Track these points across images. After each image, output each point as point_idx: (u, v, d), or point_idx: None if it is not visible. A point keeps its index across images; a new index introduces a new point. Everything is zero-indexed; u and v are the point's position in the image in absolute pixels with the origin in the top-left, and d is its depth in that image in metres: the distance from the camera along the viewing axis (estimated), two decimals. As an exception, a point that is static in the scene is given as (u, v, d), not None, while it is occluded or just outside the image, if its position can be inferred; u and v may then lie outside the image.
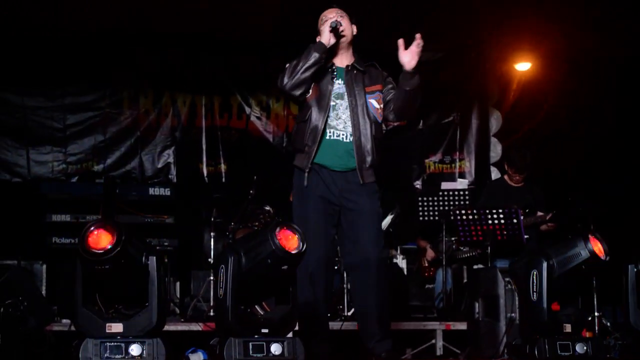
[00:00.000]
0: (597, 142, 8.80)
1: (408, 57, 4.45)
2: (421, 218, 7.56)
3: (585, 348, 4.45)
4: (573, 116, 9.00)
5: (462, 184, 8.39)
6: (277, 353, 3.83)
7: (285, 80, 4.49)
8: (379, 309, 4.53)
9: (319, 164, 4.56)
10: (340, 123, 4.58)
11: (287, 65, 4.54)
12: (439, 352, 6.43)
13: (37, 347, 4.48)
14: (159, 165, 8.72)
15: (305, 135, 4.57)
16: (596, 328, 6.29)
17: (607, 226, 5.98)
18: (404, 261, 7.89)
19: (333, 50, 4.59)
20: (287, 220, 4.05)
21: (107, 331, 3.78)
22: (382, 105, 4.64)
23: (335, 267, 6.41)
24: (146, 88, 8.76)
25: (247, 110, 8.95)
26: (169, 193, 7.60)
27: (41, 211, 7.39)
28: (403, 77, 4.52)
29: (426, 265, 7.78)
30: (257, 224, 7.15)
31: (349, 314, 6.54)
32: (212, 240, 7.14)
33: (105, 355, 3.72)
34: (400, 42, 4.47)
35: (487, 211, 6.62)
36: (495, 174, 9.10)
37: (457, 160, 9.26)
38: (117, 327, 3.79)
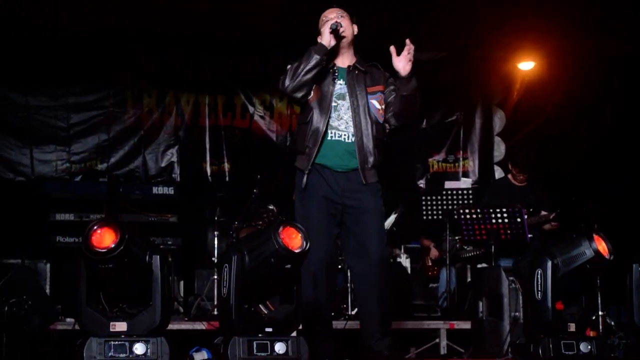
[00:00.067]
0: (598, 142, 8.80)
1: (402, 63, 4.46)
2: (425, 217, 7.56)
3: (589, 347, 4.45)
4: (575, 115, 9.01)
5: (465, 183, 8.39)
6: (281, 352, 3.83)
7: (287, 82, 4.49)
8: (382, 308, 4.53)
9: (321, 164, 4.56)
10: (342, 124, 4.58)
11: (288, 66, 4.53)
12: (443, 351, 6.43)
13: (41, 346, 4.48)
14: (163, 164, 8.73)
15: (306, 137, 4.57)
16: (600, 327, 6.28)
17: (611, 225, 5.97)
18: (408, 260, 7.89)
19: (334, 51, 4.58)
20: (290, 219, 4.05)
21: (111, 330, 3.78)
22: (383, 106, 4.63)
23: (339, 266, 6.41)
24: (150, 87, 8.77)
25: (251, 109, 8.95)
26: (172, 192, 7.61)
27: (45, 210, 7.40)
28: (400, 82, 4.53)
29: (430, 264, 7.78)
30: (260, 223, 7.15)
31: (353, 313, 6.54)
32: (215, 239, 7.14)
33: (110, 354, 3.72)
34: (392, 49, 4.49)
35: (491, 210, 6.62)
36: (498, 173, 9.10)
37: (461, 159, 9.25)
38: (121, 326, 3.79)
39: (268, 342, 3.83)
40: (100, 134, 8.62)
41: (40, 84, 8.50)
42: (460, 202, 7.42)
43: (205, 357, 4.65)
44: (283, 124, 8.98)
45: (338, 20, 4.52)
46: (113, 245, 3.61)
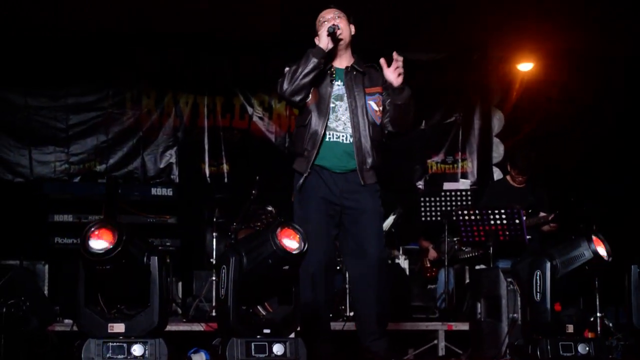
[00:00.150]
0: (598, 142, 8.80)
1: (393, 75, 4.47)
2: (423, 218, 7.56)
3: (587, 349, 4.45)
4: (575, 116, 9.00)
5: (464, 184, 8.40)
6: (279, 353, 3.83)
7: (285, 86, 4.49)
8: (379, 309, 4.54)
9: (320, 165, 4.56)
10: (339, 125, 4.58)
11: (286, 69, 4.53)
12: (441, 352, 6.43)
13: (40, 348, 4.48)
14: (162, 166, 8.73)
15: (305, 139, 4.57)
16: (598, 329, 6.28)
17: (610, 226, 5.97)
18: (406, 262, 7.88)
19: (332, 52, 4.58)
20: (289, 220, 4.05)
21: (109, 331, 3.78)
22: (381, 108, 4.63)
23: (337, 268, 6.41)
24: (148, 88, 8.77)
25: (250, 110, 8.95)
26: (171, 193, 7.61)
27: (43, 211, 7.41)
28: (392, 92, 4.53)
29: (428, 265, 7.78)
30: (259, 224, 7.15)
31: (351, 314, 6.52)
32: (214, 240, 7.13)
33: (108, 355, 3.72)
34: (382, 61, 4.50)
35: (490, 212, 6.62)
36: (497, 174, 9.10)
37: (460, 160, 9.25)
38: (119, 327, 3.79)
39: (266, 343, 3.84)
40: (99, 135, 8.61)
41: (39, 85, 8.49)
42: (458, 203, 7.42)
43: (204, 358, 4.66)
44: (282, 125, 8.98)
45: (335, 22, 4.52)
46: (110, 247, 3.61)
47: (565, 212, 6.81)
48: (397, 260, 7.76)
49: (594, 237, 4.49)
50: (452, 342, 6.45)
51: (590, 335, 5.87)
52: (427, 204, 7.54)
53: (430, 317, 7.17)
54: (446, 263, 7.14)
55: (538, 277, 4.49)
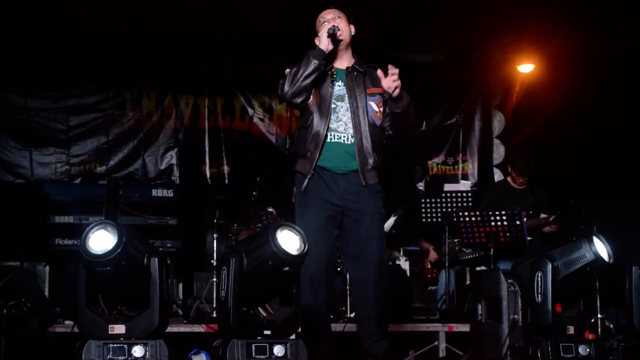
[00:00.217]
0: (598, 143, 8.79)
1: (392, 87, 4.46)
2: (424, 220, 7.55)
3: (588, 350, 4.45)
4: (575, 117, 8.99)
5: (465, 185, 8.39)
6: (280, 355, 3.83)
7: (287, 88, 4.49)
8: (379, 310, 4.54)
9: (321, 166, 4.56)
10: (340, 125, 4.58)
11: (287, 71, 4.53)
12: (442, 354, 6.42)
13: (40, 349, 4.48)
14: (162, 167, 8.73)
15: (307, 141, 4.57)
16: (599, 330, 6.27)
17: (610, 227, 5.96)
18: (407, 263, 7.88)
19: (332, 53, 4.59)
20: (290, 221, 4.05)
21: (109, 332, 3.78)
22: (381, 109, 4.63)
23: (338, 269, 6.41)
24: (149, 89, 8.77)
25: (250, 111, 8.95)
26: (172, 194, 7.61)
27: (44, 213, 7.40)
28: (391, 100, 4.54)
29: (429, 266, 7.77)
30: (260, 225, 7.15)
31: (352, 315, 6.52)
32: (215, 241, 7.13)
33: (108, 356, 3.72)
34: (380, 72, 4.51)
35: (490, 213, 6.61)
36: (498, 175, 9.10)
37: (460, 161, 9.25)
38: (119, 329, 3.79)
39: (267, 344, 3.84)
40: (99, 136, 8.62)
41: (39, 86, 8.50)
42: (459, 204, 7.41)
43: (204, 359, 4.65)
44: (282, 126, 8.98)
45: (335, 23, 4.52)
46: (110, 248, 3.62)
47: (566, 213, 6.81)
48: (397, 262, 7.76)
49: (595, 239, 4.49)
50: (453, 343, 6.45)
51: (590, 336, 5.87)
52: (428, 205, 7.53)
53: (430, 318, 7.17)
54: (447, 264, 7.13)
55: (539, 279, 4.49)
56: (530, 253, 6.34)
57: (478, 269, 7.05)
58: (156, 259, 3.85)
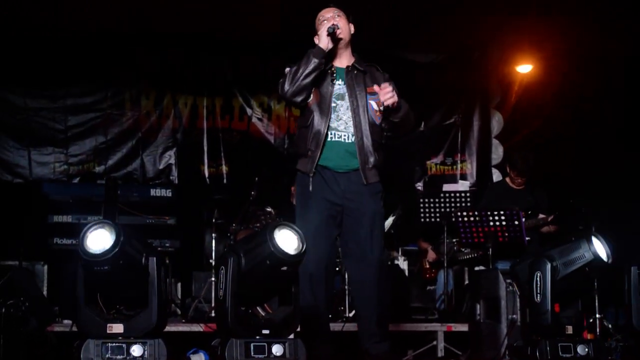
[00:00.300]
0: (597, 142, 8.79)
1: (387, 101, 4.47)
2: (422, 219, 7.56)
3: (586, 350, 4.45)
4: (574, 116, 8.99)
5: (463, 185, 8.40)
6: (278, 354, 3.83)
7: (287, 87, 4.49)
8: (379, 311, 4.53)
9: (322, 165, 4.56)
10: (341, 124, 4.58)
11: (287, 70, 4.53)
12: (440, 353, 6.42)
13: (39, 348, 4.48)
14: (161, 167, 8.73)
15: (307, 140, 4.56)
16: (598, 330, 6.28)
17: (609, 227, 5.97)
18: (405, 263, 7.88)
19: (332, 52, 4.58)
20: (288, 221, 4.04)
21: (108, 332, 3.77)
22: (381, 108, 4.63)
23: (337, 268, 6.41)
24: (148, 89, 8.77)
25: (249, 111, 8.95)
26: (170, 194, 7.60)
27: (43, 212, 7.40)
28: (389, 111, 4.54)
29: (427, 266, 7.78)
30: (258, 225, 7.15)
31: (351, 315, 6.53)
32: (213, 241, 7.14)
33: (107, 355, 3.72)
34: (376, 88, 4.53)
35: (489, 213, 6.61)
36: (496, 175, 9.10)
37: (459, 162, 9.26)
38: (117, 328, 3.79)
39: (265, 344, 3.83)
40: (97, 136, 8.61)
41: (39, 86, 8.49)
42: (458, 204, 7.42)
43: (203, 359, 4.65)
44: (281, 126, 8.98)
45: (335, 22, 4.51)
46: (108, 247, 3.62)
47: (565, 213, 6.81)
48: (396, 262, 7.76)
49: (594, 239, 4.49)
50: (452, 343, 6.45)
51: (589, 336, 5.87)
52: (427, 205, 7.54)
53: (429, 318, 7.17)
54: (445, 264, 7.14)
55: (538, 279, 4.49)
56: (529, 253, 6.34)
57: (476, 268, 7.05)
58: (154, 258, 3.85)
